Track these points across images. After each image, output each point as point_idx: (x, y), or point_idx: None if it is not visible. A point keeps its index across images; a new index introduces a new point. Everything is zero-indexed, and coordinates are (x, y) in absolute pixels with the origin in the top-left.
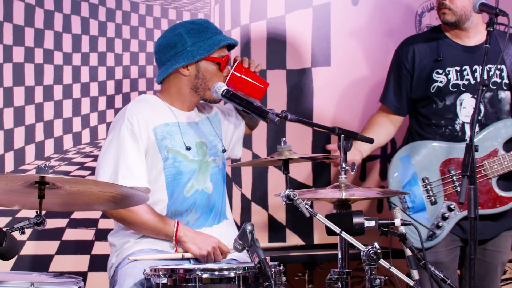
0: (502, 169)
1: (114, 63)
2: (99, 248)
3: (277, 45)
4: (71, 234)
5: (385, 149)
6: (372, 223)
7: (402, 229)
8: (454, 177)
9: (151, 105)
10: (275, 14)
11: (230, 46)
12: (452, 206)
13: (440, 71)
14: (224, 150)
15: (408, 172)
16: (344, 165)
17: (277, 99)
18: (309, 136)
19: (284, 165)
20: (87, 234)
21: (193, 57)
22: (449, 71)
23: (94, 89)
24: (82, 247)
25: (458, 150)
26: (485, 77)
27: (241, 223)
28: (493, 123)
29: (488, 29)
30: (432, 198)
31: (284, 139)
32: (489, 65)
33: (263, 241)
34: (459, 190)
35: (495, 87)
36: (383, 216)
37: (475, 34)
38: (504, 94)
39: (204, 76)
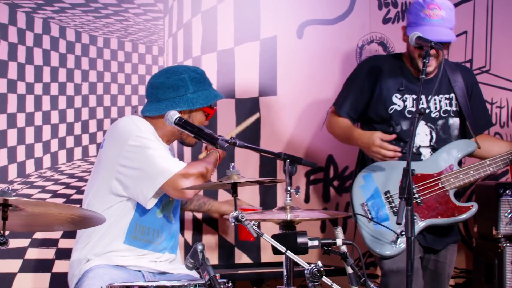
0: (458, 181)
1: (73, 92)
2: (59, 266)
3: (226, 75)
4: (33, 253)
5: (328, 173)
6: (316, 242)
7: (344, 248)
8: (414, 190)
9: (148, 125)
10: (224, 47)
11: None
12: (413, 217)
13: (399, 96)
14: None
15: (371, 188)
16: (289, 188)
17: (226, 126)
18: (256, 161)
19: (233, 189)
20: (48, 253)
21: (193, 104)
22: (406, 98)
23: (54, 117)
24: (43, 265)
25: (415, 166)
26: (430, 105)
27: (193, 243)
28: (448, 144)
29: (424, 60)
30: (395, 209)
31: (233, 164)
32: (440, 95)
33: (213, 260)
34: (419, 201)
35: (445, 115)
36: (326, 236)
37: (429, 67)
38: (452, 121)
39: (192, 122)
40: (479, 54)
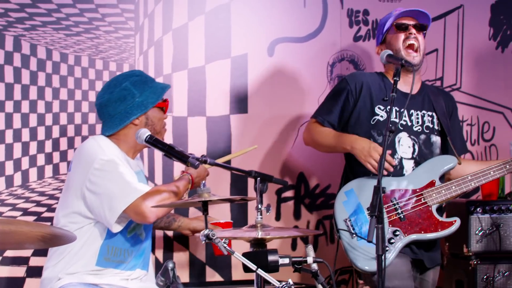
0: (440, 197)
1: (44, 110)
2: (30, 284)
3: (197, 93)
4: (3, 271)
5: (299, 190)
6: (286, 260)
7: (315, 266)
8: (397, 205)
9: (112, 145)
10: (195, 65)
11: None
12: (397, 232)
13: (382, 107)
14: None
15: (354, 203)
16: (260, 206)
17: (197, 144)
18: (227, 179)
19: (204, 207)
20: (18, 271)
21: (145, 107)
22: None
23: (25, 135)
24: (14, 283)
25: (398, 181)
26: (412, 119)
27: (164, 261)
28: (430, 159)
29: (395, 78)
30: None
31: (203, 182)
32: (423, 111)
33: (184, 278)
34: (402, 217)
35: (428, 131)
36: (297, 254)
37: (408, 82)
38: (435, 138)
39: (152, 122)
40: (450, 72)
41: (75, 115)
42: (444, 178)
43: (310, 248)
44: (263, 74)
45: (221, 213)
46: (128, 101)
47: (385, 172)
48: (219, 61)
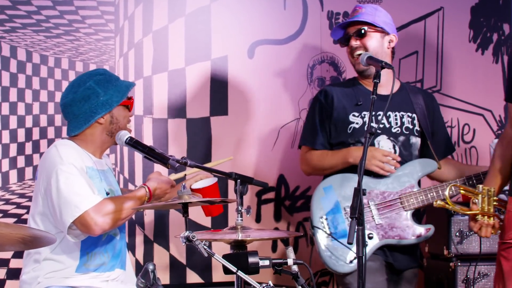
0: (417, 203)
1: (24, 112)
2: (10, 286)
3: (177, 95)
4: None
5: (279, 192)
6: (267, 262)
7: (295, 268)
8: (372, 206)
9: (75, 150)
10: (175, 67)
11: None
12: (370, 235)
13: (357, 114)
14: None
15: (331, 201)
16: (240, 208)
17: (177, 146)
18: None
19: (184, 208)
20: None
21: (110, 106)
22: (364, 114)
23: (5, 137)
24: None
25: (376, 184)
26: (390, 120)
27: (144, 263)
28: (410, 162)
29: (375, 80)
30: None
31: (184, 183)
32: (402, 112)
33: (165, 279)
34: (377, 220)
35: (407, 132)
36: (277, 255)
37: (386, 84)
38: (415, 140)
39: (117, 121)
40: (430, 74)
41: (55, 117)
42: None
43: (290, 250)
44: (243, 76)
45: (202, 215)
46: (92, 100)
47: (387, 173)
48: (199, 63)
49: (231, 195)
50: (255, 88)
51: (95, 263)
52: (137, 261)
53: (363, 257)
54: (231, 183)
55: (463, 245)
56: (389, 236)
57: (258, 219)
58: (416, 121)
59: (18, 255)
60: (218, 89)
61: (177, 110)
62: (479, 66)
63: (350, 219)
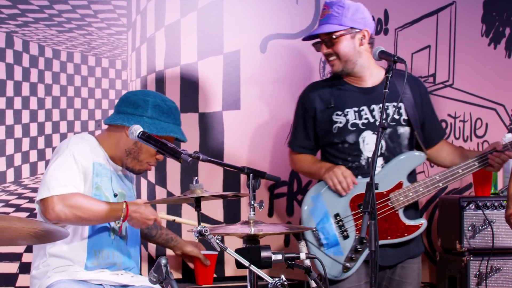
0: (407, 200)
1: (37, 106)
2: (23, 280)
3: (190, 89)
4: None
5: (292, 187)
6: (279, 256)
7: (307, 262)
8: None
9: (90, 144)
10: (188, 61)
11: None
12: (364, 240)
13: (340, 112)
14: None
15: (320, 211)
16: (252, 202)
17: (190, 140)
18: (220, 175)
19: (196, 203)
20: (11, 267)
21: (143, 128)
22: (347, 112)
23: (18, 131)
24: (7, 280)
25: (364, 185)
26: (374, 114)
27: (156, 257)
28: (396, 157)
29: (387, 75)
30: (345, 233)
31: (196, 178)
32: (386, 103)
33: (177, 274)
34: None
35: (394, 123)
36: (289, 250)
37: (369, 77)
38: (403, 130)
39: (140, 148)
40: (443, 68)
41: (67, 112)
42: (413, 173)
43: (302, 244)
44: (256, 71)
45: (214, 209)
46: (137, 111)
47: (343, 192)
48: (212, 57)
49: (244, 189)
50: (267, 82)
51: (103, 261)
52: (149, 255)
53: (375, 251)
54: (243, 178)
55: (476, 239)
56: (381, 237)
57: (270, 213)
58: (403, 110)
59: (30, 249)
60: (231, 83)
61: (189, 104)
62: (492, 61)
63: (340, 228)
